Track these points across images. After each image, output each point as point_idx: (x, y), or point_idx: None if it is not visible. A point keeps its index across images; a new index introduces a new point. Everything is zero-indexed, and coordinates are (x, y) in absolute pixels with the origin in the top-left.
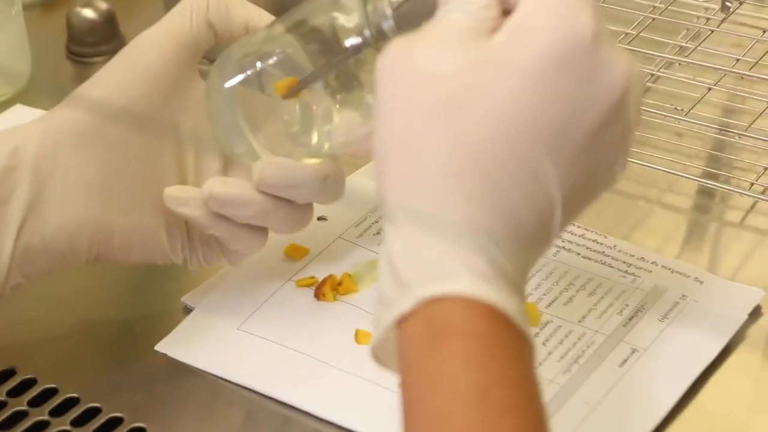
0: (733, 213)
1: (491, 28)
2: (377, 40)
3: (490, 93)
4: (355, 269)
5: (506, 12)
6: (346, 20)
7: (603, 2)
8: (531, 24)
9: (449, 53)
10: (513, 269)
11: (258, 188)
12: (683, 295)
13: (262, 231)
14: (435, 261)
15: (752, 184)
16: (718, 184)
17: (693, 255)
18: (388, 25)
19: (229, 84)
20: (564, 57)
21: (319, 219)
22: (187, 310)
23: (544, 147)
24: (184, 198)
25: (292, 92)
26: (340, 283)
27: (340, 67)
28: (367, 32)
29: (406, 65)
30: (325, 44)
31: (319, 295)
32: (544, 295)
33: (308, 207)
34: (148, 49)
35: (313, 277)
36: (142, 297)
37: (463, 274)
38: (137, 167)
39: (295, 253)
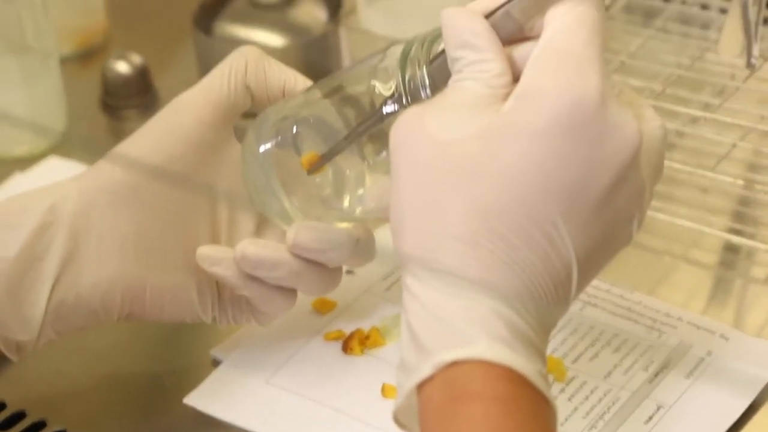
0: (759, 269)
1: (504, 95)
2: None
3: (501, 157)
4: (382, 323)
5: (516, 78)
6: (384, 88)
7: (629, 58)
8: (538, 88)
9: (461, 120)
10: (532, 331)
11: (291, 251)
12: (709, 352)
13: (291, 292)
14: (453, 325)
15: None
16: (744, 240)
17: (718, 311)
18: (425, 94)
19: (264, 147)
20: (573, 119)
21: (347, 273)
22: (216, 363)
23: (557, 209)
24: (216, 258)
25: (314, 167)
26: (367, 337)
27: (373, 132)
28: (404, 100)
29: (419, 132)
30: (361, 111)
31: (346, 348)
32: (570, 350)
33: (338, 269)
34: (186, 111)
35: (340, 331)
36: (171, 350)
37: (481, 338)
38: (171, 226)
39: (323, 307)
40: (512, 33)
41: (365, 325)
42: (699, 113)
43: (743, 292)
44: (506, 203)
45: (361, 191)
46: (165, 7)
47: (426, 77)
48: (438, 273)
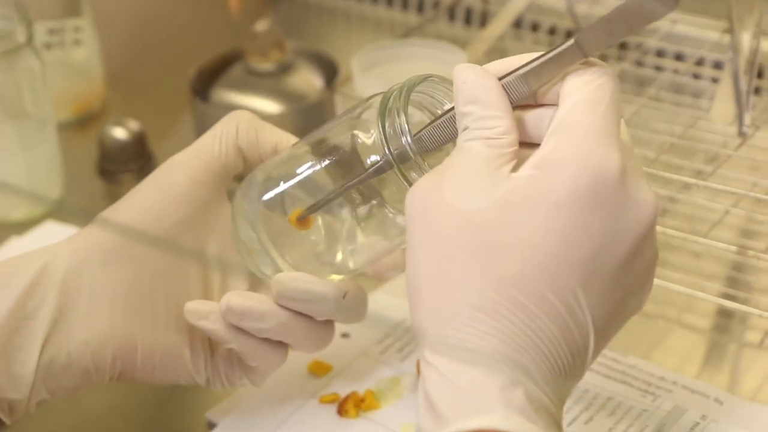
0: (753, 334)
1: (511, 155)
2: (397, 157)
3: (521, 227)
4: (377, 386)
5: (526, 143)
6: (366, 137)
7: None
8: (559, 159)
9: (478, 189)
10: (548, 400)
11: (276, 301)
12: (703, 416)
13: (281, 347)
14: (470, 394)
15: None
16: (737, 305)
17: (713, 375)
18: (406, 141)
19: (251, 206)
20: (593, 192)
21: (342, 336)
22: (211, 426)
23: (577, 279)
24: (203, 311)
25: (302, 219)
26: (362, 400)
27: (361, 186)
28: (386, 150)
29: (436, 201)
30: (345, 163)
31: (342, 411)
32: (565, 414)
33: (329, 325)
34: (178, 171)
35: (336, 394)
36: (166, 413)
37: (498, 408)
38: (162, 285)
39: (319, 370)
40: (524, 97)
41: (360, 388)
42: (692, 180)
43: (737, 356)
44: (527, 273)
45: (352, 246)
46: (162, 74)
47: (405, 124)
48: (456, 343)
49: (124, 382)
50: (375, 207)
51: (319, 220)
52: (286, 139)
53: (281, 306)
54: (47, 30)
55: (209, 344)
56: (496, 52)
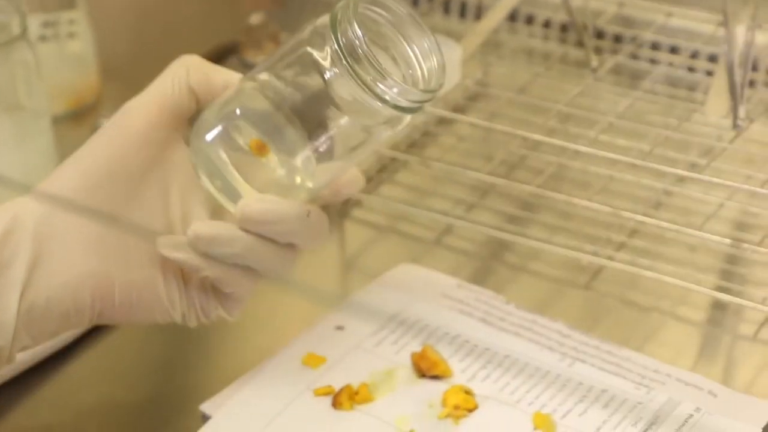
0: (747, 326)
1: None
2: (352, 62)
3: None
4: (372, 378)
5: None
6: (320, 56)
7: (617, 119)
8: None
9: None
10: None
11: (242, 225)
12: (697, 408)
13: (252, 272)
14: None
15: (766, 298)
16: (731, 297)
17: (707, 368)
18: (362, 50)
19: (210, 136)
20: None
21: (336, 328)
22: (205, 419)
23: None
24: (176, 243)
25: (261, 149)
26: (357, 393)
27: (316, 101)
28: (342, 60)
29: None
30: (298, 84)
31: (336, 404)
32: (559, 406)
33: (293, 249)
34: (136, 115)
35: (330, 386)
36: (159, 405)
37: None
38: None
39: (313, 362)
40: None
41: (355, 381)
42: (686, 173)
43: (731, 348)
44: None
45: (311, 167)
46: (158, 67)
47: (358, 30)
48: None
49: (116, 374)
50: (330, 122)
51: (276, 147)
52: (236, 78)
53: (247, 231)
54: (42, 22)
55: (182, 277)
56: (491, 45)
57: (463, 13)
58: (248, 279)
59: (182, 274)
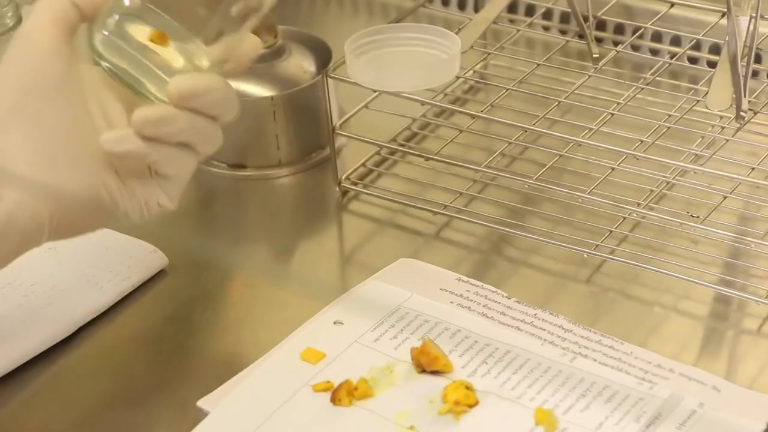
0: (751, 320)
1: None
2: None
3: None
4: (371, 374)
5: None
6: None
7: (619, 110)
8: None
9: None
10: None
11: (178, 103)
12: (701, 404)
13: (190, 150)
14: None
15: None
16: (735, 292)
17: (710, 362)
18: None
19: (114, 43)
20: None
21: (335, 323)
22: (204, 414)
23: None
24: (120, 136)
25: (162, 38)
26: (356, 388)
27: None
28: None
29: None
30: None
31: (335, 399)
32: (561, 401)
33: (216, 122)
34: (39, 34)
35: (329, 382)
36: (157, 401)
37: None
38: (65, 134)
39: (312, 357)
40: None
41: (354, 376)
42: (689, 165)
43: (735, 343)
44: None
45: (213, 47)
46: None
47: None
48: None
49: (115, 370)
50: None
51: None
52: None
53: (181, 107)
54: None
55: (118, 176)
56: (491, 36)
57: (462, 4)
58: (189, 158)
59: (118, 172)
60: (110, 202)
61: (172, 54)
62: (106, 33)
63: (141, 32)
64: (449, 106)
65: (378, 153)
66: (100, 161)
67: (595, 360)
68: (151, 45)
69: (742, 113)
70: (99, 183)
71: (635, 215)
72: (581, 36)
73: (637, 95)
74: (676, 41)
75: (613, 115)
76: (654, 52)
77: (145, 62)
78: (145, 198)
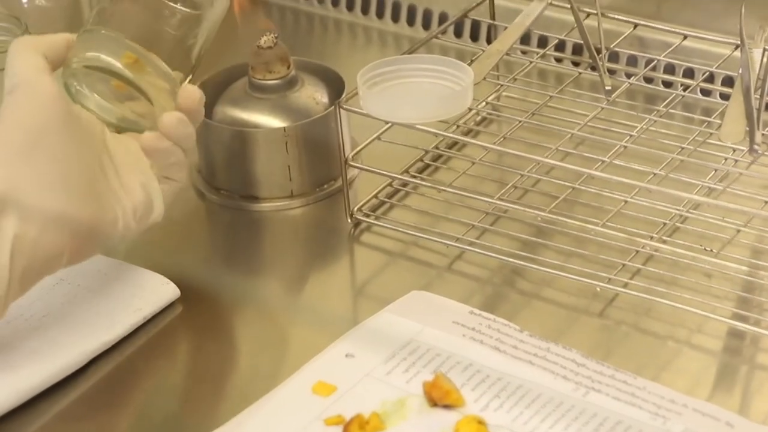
0: (765, 355)
1: None
2: None
3: None
4: (383, 407)
5: None
6: None
7: (632, 142)
8: None
9: None
10: None
11: (190, 111)
12: None
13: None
14: None
15: None
16: (749, 326)
17: (724, 398)
18: None
19: (95, 82)
20: None
21: (347, 356)
22: None
23: None
24: (158, 136)
25: (136, 66)
26: (367, 422)
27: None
28: None
29: None
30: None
31: None
32: None
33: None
34: (29, 76)
35: (340, 416)
36: None
37: None
38: (75, 165)
39: (323, 391)
40: None
41: (365, 410)
42: (702, 199)
43: (749, 378)
44: None
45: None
46: None
47: None
48: None
49: (125, 406)
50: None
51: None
52: (68, 33)
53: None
54: None
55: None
56: (504, 67)
57: (475, 36)
58: (185, 162)
59: (125, 186)
60: (121, 224)
61: (151, 74)
62: (75, 82)
63: (113, 60)
64: (462, 138)
65: (390, 184)
66: (110, 185)
67: (608, 395)
68: (128, 68)
69: (755, 146)
70: (112, 204)
71: (648, 248)
72: (594, 68)
73: (650, 127)
74: (689, 73)
75: (626, 147)
76: (667, 85)
77: (115, 103)
78: (142, 212)
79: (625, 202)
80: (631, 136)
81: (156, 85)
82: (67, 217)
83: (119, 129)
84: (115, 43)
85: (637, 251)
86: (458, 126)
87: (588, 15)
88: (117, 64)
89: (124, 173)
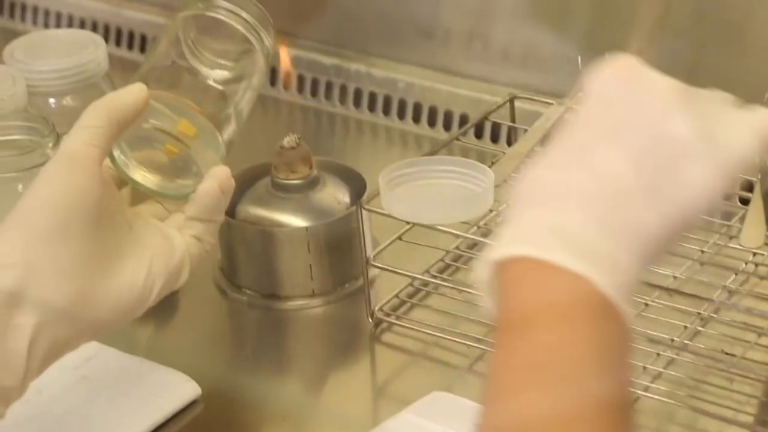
0: None
1: None
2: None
3: None
4: None
5: None
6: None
7: None
8: None
9: None
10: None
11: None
12: None
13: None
14: None
15: None
16: None
17: None
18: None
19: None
20: None
21: None
22: None
23: None
24: (215, 189)
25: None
26: None
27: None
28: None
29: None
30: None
31: None
32: None
33: None
34: (76, 151)
35: None
36: None
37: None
38: (104, 254)
39: None
40: None
41: None
42: (724, 302)
43: None
44: None
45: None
46: None
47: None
48: None
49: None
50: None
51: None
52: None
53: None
54: None
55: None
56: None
57: (495, 137)
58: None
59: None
60: (144, 291)
61: (208, 136)
62: (121, 149)
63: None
64: (482, 239)
65: (411, 284)
66: (134, 257)
67: None
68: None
69: None
70: (135, 276)
71: (669, 352)
72: None
73: None
74: None
75: None
76: None
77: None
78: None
79: (646, 305)
80: None
81: (206, 157)
82: (86, 303)
83: (158, 197)
84: (176, 109)
85: (658, 354)
86: (479, 227)
87: None
88: (173, 130)
89: (151, 243)
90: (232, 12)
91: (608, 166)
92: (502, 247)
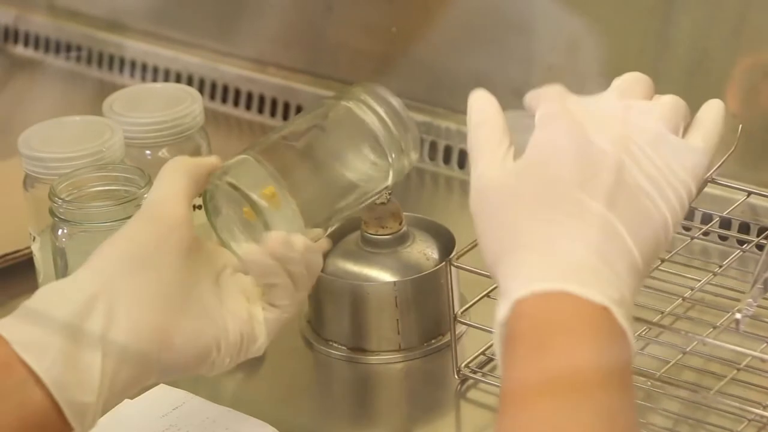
0: None
1: None
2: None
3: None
4: None
5: None
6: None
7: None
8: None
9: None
10: None
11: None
12: None
13: (295, 286)
14: None
15: None
16: None
17: None
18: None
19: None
20: None
21: None
22: None
23: None
24: (258, 249)
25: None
26: None
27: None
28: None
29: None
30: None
31: None
32: None
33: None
34: (164, 199)
35: None
36: None
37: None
38: (178, 302)
39: None
40: None
41: None
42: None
43: None
44: None
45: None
46: None
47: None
48: None
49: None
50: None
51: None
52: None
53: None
54: None
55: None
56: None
57: None
58: (294, 292)
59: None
60: (216, 353)
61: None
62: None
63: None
64: None
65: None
66: (212, 313)
67: None
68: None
69: None
70: (210, 333)
71: (759, 419)
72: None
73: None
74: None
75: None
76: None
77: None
78: (242, 350)
79: (737, 370)
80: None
81: (282, 225)
82: (159, 330)
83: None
84: (263, 173)
85: (749, 421)
86: None
87: None
88: (254, 191)
89: (230, 301)
90: (384, 121)
91: (588, 209)
92: (525, 286)
